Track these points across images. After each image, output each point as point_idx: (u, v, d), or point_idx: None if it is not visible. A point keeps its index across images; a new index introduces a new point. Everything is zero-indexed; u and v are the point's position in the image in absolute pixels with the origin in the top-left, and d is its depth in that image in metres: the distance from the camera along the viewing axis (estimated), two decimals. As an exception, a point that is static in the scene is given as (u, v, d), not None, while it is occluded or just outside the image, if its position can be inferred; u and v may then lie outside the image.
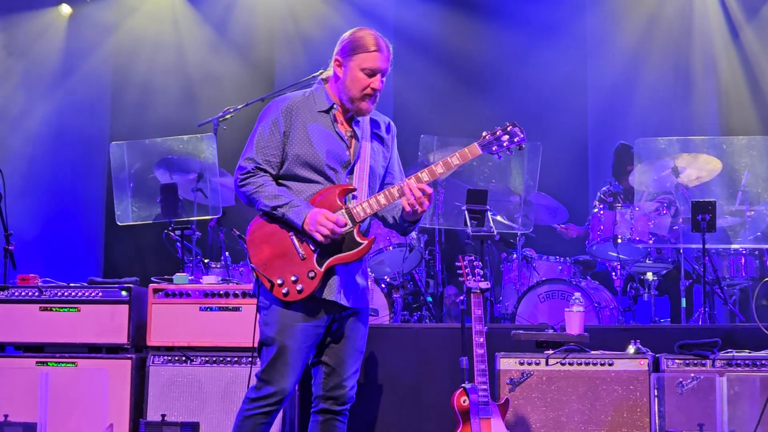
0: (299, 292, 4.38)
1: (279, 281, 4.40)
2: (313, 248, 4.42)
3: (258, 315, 4.56)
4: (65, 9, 10.95)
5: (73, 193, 10.71)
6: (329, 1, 11.13)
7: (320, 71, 6.49)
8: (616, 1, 11.11)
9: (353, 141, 4.57)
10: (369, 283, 4.72)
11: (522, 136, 4.57)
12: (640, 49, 10.94)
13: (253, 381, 4.52)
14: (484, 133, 4.57)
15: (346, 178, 4.53)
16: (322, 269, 4.41)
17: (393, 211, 4.65)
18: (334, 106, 4.57)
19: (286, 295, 4.39)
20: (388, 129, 4.74)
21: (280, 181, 4.53)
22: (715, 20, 10.83)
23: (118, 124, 10.74)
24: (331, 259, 4.42)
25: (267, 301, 4.46)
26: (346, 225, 4.42)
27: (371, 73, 4.48)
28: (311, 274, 4.40)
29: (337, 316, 4.52)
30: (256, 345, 4.58)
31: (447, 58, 11.18)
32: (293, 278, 4.39)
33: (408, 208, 4.44)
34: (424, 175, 4.47)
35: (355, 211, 4.45)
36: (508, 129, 4.57)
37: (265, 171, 4.49)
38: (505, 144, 4.56)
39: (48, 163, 10.54)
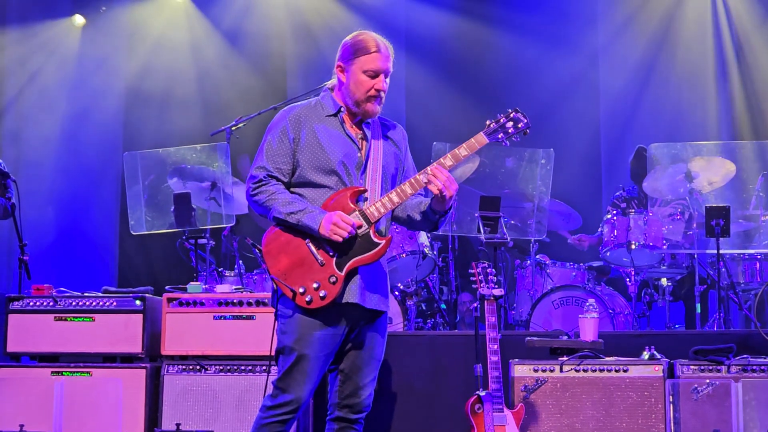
0: (322, 298, 4.37)
1: (301, 290, 4.39)
2: (331, 253, 4.42)
3: (276, 323, 4.55)
4: (79, 20, 11.02)
5: (87, 203, 10.74)
6: (341, 11, 11.15)
7: (331, 81, 6.53)
8: (628, 7, 11.10)
9: (363, 142, 4.58)
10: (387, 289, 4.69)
11: (526, 121, 4.53)
12: (652, 55, 10.92)
13: (270, 389, 4.52)
14: (488, 122, 4.54)
15: (361, 178, 4.52)
16: (343, 273, 4.40)
17: (418, 208, 4.63)
18: (342, 109, 4.58)
19: (309, 302, 4.38)
20: (398, 131, 4.75)
21: (293, 189, 4.52)
22: (727, 26, 10.81)
23: (132, 134, 10.77)
24: (351, 262, 4.41)
25: (287, 311, 4.45)
26: (361, 226, 4.42)
27: (374, 75, 4.49)
28: (332, 279, 4.39)
29: (356, 322, 4.50)
30: (273, 353, 4.58)
31: (459, 67, 11.19)
32: (315, 285, 4.38)
33: (436, 191, 4.40)
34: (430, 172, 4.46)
35: (368, 211, 4.44)
36: (512, 115, 4.54)
37: (277, 179, 4.50)
38: (510, 130, 4.53)
39: (62, 173, 10.59)
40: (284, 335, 4.46)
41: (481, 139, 4.51)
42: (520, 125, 4.53)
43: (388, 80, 4.54)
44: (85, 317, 6.62)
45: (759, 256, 8.44)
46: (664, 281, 8.58)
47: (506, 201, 8.43)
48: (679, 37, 10.88)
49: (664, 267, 8.56)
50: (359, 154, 4.54)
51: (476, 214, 7.74)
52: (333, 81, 4.64)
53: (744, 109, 10.67)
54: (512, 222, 8.55)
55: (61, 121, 10.62)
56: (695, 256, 8.36)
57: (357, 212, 4.43)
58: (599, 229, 8.97)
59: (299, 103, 4.68)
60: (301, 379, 4.40)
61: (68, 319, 6.63)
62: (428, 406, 6.78)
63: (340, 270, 4.40)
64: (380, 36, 4.57)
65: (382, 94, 4.53)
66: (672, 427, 6.06)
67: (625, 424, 6.10)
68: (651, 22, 11.01)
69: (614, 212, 8.62)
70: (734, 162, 8.54)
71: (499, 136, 4.53)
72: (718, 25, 10.82)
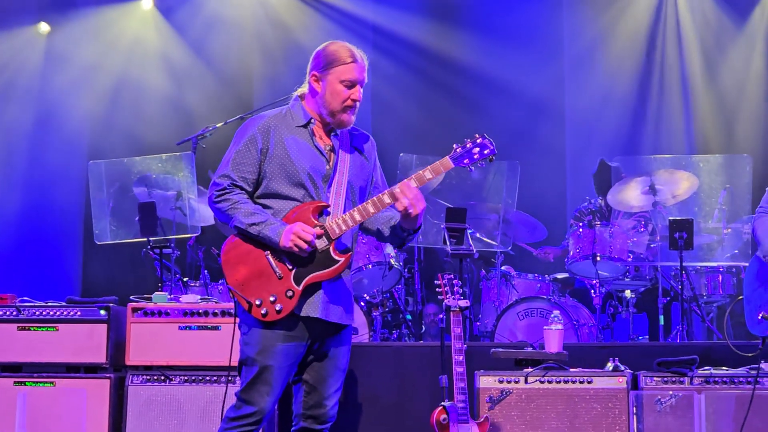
0: (278, 312, 4.37)
1: (257, 302, 4.38)
2: (290, 267, 4.41)
3: (238, 334, 4.54)
4: (44, 27, 10.95)
5: (51, 212, 10.66)
6: (308, 19, 11.16)
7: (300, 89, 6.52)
8: (595, 22, 11.17)
9: (332, 154, 4.57)
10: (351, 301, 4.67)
11: (492, 147, 4.57)
12: (617, 68, 11.01)
13: (232, 400, 4.51)
14: (454, 146, 4.58)
15: (328, 191, 4.51)
16: (300, 288, 4.39)
17: (388, 222, 4.64)
18: (312, 120, 4.57)
19: (264, 315, 4.37)
20: (367, 142, 4.73)
21: (259, 200, 4.51)
22: (692, 41, 10.92)
23: (97, 143, 10.70)
24: (309, 277, 4.40)
25: (247, 322, 4.44)
26: (321, 236, 4.40)
27: (350, 85, 4.50)
28: (289, 293, 4.38)
29: (319, 334, 4.50)
30: (234, 364, 4.57)
31: (426, 78, 11.22)
32: (271, 298, 4.38)
33: (401, 209, 4.42)
34: (398, 190, 4.48)
35: (329, 227, 4.44)
36: (478, 141, 4.57)
37: (241, 188, 4.48)
38: (476, 156, 4.56)
39: (26, 182, 10.50)
40: (247, 346, 4.44)
41: (446, 163, 4.53)
42: (486, 151, 4.57)
43: (362, 90, 4.55)
44: (49, 327, 6.57)
45: (721, 269, 8.53)
46: (628, 293, 8.63)
47: (472, 213, 8.46)
48: (645, 51, 10.97)
49: (628, 279, 8.62)
50: (327, 167, 4.53)
51: (442, 226, 7.76)
52: (302, 89, 4.62)
53: (708, 124, 10.77)
54: (477, 236, 8.57)
55: (25, 128, 10.53)
56: (659, 268, 8.43)
57: (318, 227, 4.42)
58: (564, 240, 9.03)
59: (268, 111, 4.65)
60: (264, 390, 4.39)
61: (31, 328, 6.57)
62: (394, 417, 6.78)
63: (298, 284, 4.40)
64: (353, 45, 4.57)
65: (358, 104, 4.53)
66: (635, 439, 6.10)
67: (589, 436, 6.13)
68: (617, 35, 11.08)
69: (579, 224, 8.67)
70: (697, 175, 8.63)
71: (465, 161, 4.56)
72: (684, 40, 10.91)
